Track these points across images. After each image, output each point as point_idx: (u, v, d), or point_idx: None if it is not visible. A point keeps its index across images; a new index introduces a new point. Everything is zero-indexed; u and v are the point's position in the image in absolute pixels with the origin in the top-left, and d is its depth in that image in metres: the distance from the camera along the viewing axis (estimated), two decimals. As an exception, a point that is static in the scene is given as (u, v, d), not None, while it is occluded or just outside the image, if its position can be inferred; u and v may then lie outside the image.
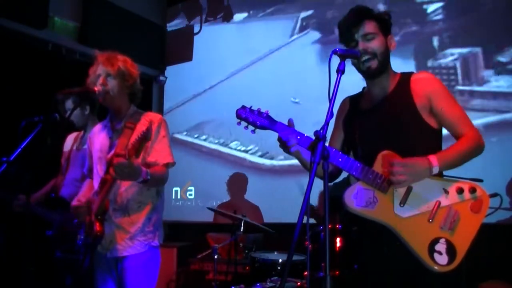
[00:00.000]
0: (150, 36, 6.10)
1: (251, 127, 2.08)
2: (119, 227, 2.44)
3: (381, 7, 4.65)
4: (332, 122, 1.88)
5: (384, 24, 2.09)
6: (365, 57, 2.04)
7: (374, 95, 2.16)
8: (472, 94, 4.16)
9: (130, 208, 2.46)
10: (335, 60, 1.81)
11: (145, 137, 2.20)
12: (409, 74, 2.12)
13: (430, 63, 4.44)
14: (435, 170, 1.91)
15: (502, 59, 4.07)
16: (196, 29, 6.19)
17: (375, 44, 2.05)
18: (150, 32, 6.10)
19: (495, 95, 4.07)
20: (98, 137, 2.63)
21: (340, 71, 1.83)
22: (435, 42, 4.48)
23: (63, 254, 3.03)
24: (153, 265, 2.50)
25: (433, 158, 1.91)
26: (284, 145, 2.03)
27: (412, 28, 4.60)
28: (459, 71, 4.27)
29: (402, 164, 1.90)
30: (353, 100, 2.27)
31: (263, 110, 2.08)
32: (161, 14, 6.39)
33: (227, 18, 5.94)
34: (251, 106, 2.10)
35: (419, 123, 2.02)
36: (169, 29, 6.43)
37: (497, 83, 4.08)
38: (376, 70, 2.07)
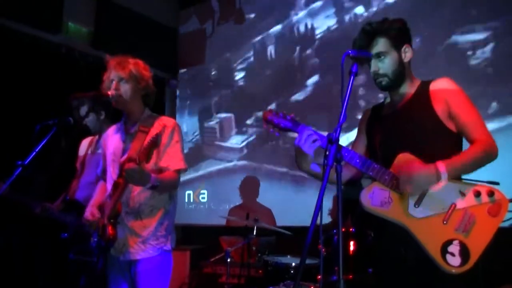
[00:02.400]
0: (163, 39, 6.16)
1: (276, 130, 2.15)
2: (132, 230, 2.46)
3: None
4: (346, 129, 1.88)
5: (396, 38, 2.09)
6: (376, 77, 2.11)
7: (393, 102, 2.20)
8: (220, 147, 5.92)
9: (142, 212, 2.47)
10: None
11: (155, 142, 2.23)
12: (429, 81, 2.14)
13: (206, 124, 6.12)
14: (443, 176, 1.90)
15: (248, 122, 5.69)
16: (208, 32, 6.24)
17: (386, 64, 2.09)
18: (162, 35, 6.16)
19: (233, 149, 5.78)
20: (112, 139, 2.65)
21: (353, 73, 1.85)
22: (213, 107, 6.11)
23: (76, 256, 3.06)
24: (165, 269, 2.51)
25: (441, 165, 1.91)
26: (299, 153, 2.07)
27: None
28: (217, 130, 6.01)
29: (407, 173, 1.92)
30: (375, 108, 2.33)
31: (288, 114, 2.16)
32: (173, 17, 6.44)
33: (239, 20, 5.96)
34: (277, 110, 2.17)
35: (438, 126, 2.03)
36: (181, 32, 6.48)
37: (236, 140, 5.78)
38: (388, 87, 2.14)
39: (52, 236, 3.32)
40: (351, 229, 3.47)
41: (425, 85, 2.13)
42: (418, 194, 1.95)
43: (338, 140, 1.75)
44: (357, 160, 2.03)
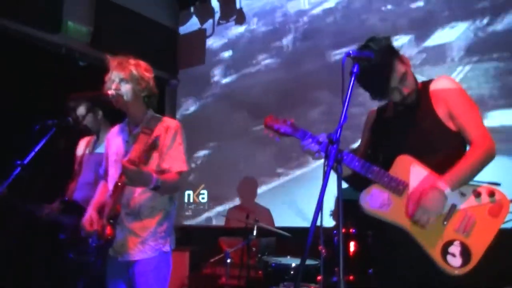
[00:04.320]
0: (163, 39, 6.15)
1: (276, 135, 2.19)
2: (131, 231, 2.46)
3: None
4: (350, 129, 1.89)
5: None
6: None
7: (395, 103, 2.20)
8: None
9: (142, 213, 2.48)
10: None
11: (154, 145, 2.26)
12: (429, 82, 2.15)
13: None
14: (448, 192, 1.90)
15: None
16: (208, 32, 6.24)
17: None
18: (162, 35, 6.15)
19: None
20: (116, 139, 2.66)
21: (354, 73, 1.85)
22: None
23: (75, 256, 3.06)
24: (164, 270, 2.51)
25: (442, 183, 1.91)
26: (309, 153, 2.11)
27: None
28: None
29: (420, 211, 1.90)
30: (379, 110, 2.34)
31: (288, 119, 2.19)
32: (173, 17, 6.44)
33: (240, 21, 5.96)
34: (278, 116, 2.21)
35: (440, 127, 2.04)
36: (181, 32, 6.48)
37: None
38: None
39: (50, 237, 3.31)
40: (351, 230, 3.48)
41: (425, 86, 2.14)
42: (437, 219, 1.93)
43: (338, 140, 1.76)
44: (356, 163, 2.05)
